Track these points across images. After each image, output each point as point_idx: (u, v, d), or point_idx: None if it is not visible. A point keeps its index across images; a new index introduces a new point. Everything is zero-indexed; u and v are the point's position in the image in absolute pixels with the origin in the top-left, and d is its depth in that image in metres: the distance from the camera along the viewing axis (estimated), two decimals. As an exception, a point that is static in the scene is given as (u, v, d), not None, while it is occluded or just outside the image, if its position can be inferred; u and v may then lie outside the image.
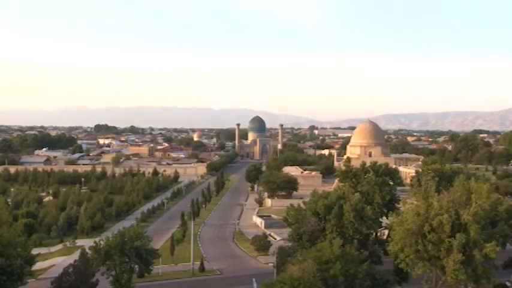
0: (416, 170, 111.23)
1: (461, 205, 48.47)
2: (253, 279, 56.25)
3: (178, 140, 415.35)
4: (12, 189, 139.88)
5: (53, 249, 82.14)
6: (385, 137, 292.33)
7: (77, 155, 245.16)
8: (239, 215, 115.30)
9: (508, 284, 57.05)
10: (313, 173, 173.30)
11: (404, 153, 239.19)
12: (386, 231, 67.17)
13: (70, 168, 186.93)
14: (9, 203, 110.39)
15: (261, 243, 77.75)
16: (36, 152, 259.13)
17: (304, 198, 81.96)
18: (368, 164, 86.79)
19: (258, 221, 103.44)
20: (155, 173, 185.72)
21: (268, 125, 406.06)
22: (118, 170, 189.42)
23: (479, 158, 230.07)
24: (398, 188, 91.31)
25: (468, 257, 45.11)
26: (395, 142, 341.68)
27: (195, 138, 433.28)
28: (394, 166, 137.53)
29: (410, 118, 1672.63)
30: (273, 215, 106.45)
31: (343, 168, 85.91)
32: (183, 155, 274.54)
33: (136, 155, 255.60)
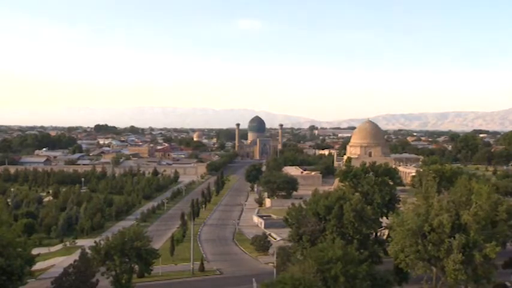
0: (417, 170, 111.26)
1: (462, 205, 48.48)
2: (253, 279, 56.24)
3: (178, 140, 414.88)
4: (12, 189, 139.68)
5: (53, 249, 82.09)
6: (385, 137, 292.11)
7: (77, 155, 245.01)
8: (239, 215, 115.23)
9: (508, 284, 57.02)
10: (313, 173, 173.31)
11: (404, 153, 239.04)
12: (386, 231, 67.18)
13: (70, 168, 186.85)
14: (9, 203, 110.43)
15: (261, 243, 77.72)
16: (36, 152, 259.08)
17: (304, 198, 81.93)
18: (368, 164, 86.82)
19: (258, 221, 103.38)
20: (155, 173, 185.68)
21: (268, 125, 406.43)
22: (118, 170, 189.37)
23: (479, 158, 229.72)
24: (398, 188, 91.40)
25: (468, 257, 45.06)
26: (395, 142, 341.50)
27: (195, 138, 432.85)
28: (394, 166, 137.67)
29: (410, 118, 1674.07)
30: (273, 215, 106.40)
31: (344, 168, 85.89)
32: (183, 155, 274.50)
33: (136, 155, 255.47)
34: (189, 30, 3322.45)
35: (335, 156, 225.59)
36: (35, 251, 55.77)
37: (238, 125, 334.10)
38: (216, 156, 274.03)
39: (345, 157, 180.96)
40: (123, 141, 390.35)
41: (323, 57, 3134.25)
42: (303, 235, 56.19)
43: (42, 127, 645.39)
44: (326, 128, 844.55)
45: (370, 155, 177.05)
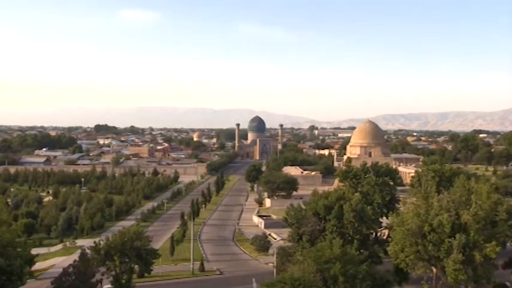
0: (416, 170, 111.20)
1: (461, 205, 48.46)
2: (253, 279, 56.25)
3: (178, 140, 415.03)
4: (12, 189, 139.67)
5: (53, 249, 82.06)
6: (385, 137, 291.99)
7: (76, 155, 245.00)
8: (239, 215, 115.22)
9: (508, 284, 57.04)
10: (313, 173, 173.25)
11: (404, 153, 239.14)
12: (386, 231, 67.22)
13: (70, 168, 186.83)
14: (9, 203, 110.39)
15: (261, 243, 77.76)
16: (36, 152, 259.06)
17: (304, 198, 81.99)
18: (368, 164, 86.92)
19: (258, 221, 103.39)
20: (155, 173, 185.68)
21: (268, 125, 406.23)
22: (118, 170, 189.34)
23: (479, 158, 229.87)
24: (398, 188, 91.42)
25: (468, 257, 45.07)
26: (395, 142, 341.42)
27: (195, 138, 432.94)
28: (394, 166, 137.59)
29: (410, 118, 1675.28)
30: (273, 215, 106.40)
31: (344, 168, 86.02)
32: (183, 155, 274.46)
33: (136, 155, 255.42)
34: (190, 30, 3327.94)
35: (335, 156, 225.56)
36: (35, 251, 55.79)
37: (238, 125, 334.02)
38: (216, 156, 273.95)
39: (345, 157, 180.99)
40: (123, 141, 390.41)
41: (323, 57, 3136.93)
42: (302, 235, 56.23)
43: (42, 127, 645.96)
44: (326, 128, 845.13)
45: (370, 155, 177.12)
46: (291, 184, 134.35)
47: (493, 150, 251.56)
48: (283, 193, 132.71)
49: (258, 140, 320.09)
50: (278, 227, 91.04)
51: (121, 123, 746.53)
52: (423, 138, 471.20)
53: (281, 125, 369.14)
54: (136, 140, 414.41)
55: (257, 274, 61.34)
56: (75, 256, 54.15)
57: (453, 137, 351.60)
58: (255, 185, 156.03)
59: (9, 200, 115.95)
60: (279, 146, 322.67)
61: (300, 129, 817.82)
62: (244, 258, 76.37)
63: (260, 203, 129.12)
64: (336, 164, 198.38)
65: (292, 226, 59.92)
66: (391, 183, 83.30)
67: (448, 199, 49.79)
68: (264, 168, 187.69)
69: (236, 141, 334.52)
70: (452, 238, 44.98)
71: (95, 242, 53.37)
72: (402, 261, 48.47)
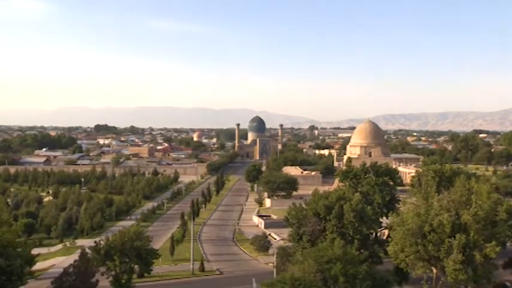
0: (416, 170, 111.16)
1: (462, 205, 48.45)
2: (253, 279, 56.23)
3: (178, 140, 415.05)
4: (12, 189, 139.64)
5: (53, 249, 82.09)
6: (385, 137, 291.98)
7: (76, 155, 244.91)
8: (239, 215, 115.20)
9: (508, 284, 57.03)
10: (313, 173, 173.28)
11: (404, 153, 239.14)
12: (386, 231, 67.22)
13: (70, 168, 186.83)
14: (9, 203, 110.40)
15: (261, 243, 77.76)
16: (36, 152, 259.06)
17: (304, 198, 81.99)
18: (368, 164, 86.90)
19: (258, 221, 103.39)
20: (155, 173, 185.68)
21: (268, 125, 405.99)
22: (118, 170, 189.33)
23: (479, 158, 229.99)
24: (398, 188, 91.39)
25: (468, 257, 45.05)
26: (395, 142, 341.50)
27: (195, 138, 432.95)
28: (394, 166, 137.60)
29: (410, 118, 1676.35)
30: (273, 215, 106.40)
31: (344, 168, 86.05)
32: (183, 155, 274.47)
33: (136, 155, 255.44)
34: (192, 31, 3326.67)
35: (335, 156, 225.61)
36: (35, 251, 55.73)
37: (238, 125, 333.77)
38: (216, 156, 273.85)
39: (345, 157, 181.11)
40: (123, 141, 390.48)
41: (323, 57, 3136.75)
42: (303, 235, 56.18)
43: (42, 127, 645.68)
44: (326, 128, 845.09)
45: (370, 155, 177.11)
46: (291, 184, 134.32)
47: (493, 150, 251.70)
48: (283, 193, 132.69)
49: (258, 140, 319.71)
50: (278, 227, 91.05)
51: (121, 123, 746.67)
52: (423, 138, 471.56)
53: (281, 125, 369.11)
54: (137, 140, 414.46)
55: (257, 274, 61.34)
56: (75, 256, 54.09)
57: (453, 137, 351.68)
58: (255, 185, 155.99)
59: (9, 200, 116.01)
60: (279, 146, 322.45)
61: (300, 129, 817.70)
62: (244, 258, 76.37)
63: (260, 203, 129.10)
64: (336, 164, 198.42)
65: (293, 226, 59.93)
66: (391, 183, 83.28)
67: (448, 199, 49.81)
68: (264, 168, 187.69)
69: (236, 141, 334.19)
70: (452, 238, 44.96)
71: (95, 242, 53.37)
72: (402, 261, 48.46)
